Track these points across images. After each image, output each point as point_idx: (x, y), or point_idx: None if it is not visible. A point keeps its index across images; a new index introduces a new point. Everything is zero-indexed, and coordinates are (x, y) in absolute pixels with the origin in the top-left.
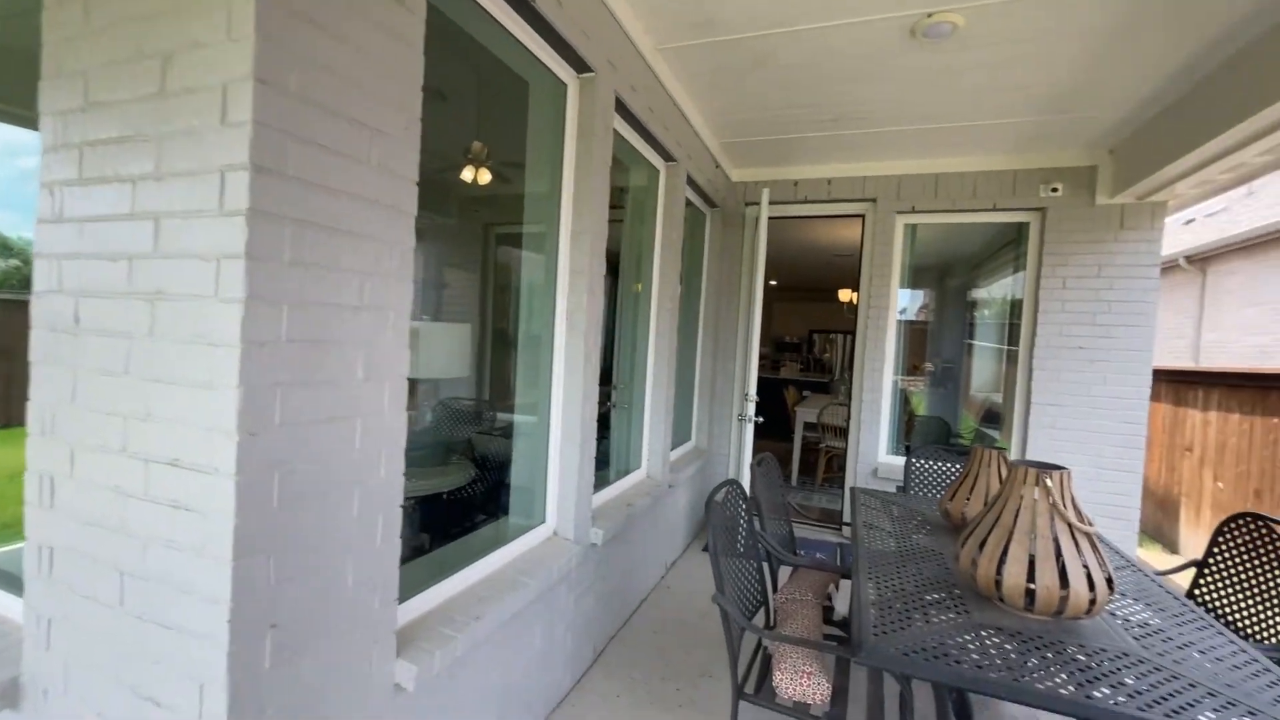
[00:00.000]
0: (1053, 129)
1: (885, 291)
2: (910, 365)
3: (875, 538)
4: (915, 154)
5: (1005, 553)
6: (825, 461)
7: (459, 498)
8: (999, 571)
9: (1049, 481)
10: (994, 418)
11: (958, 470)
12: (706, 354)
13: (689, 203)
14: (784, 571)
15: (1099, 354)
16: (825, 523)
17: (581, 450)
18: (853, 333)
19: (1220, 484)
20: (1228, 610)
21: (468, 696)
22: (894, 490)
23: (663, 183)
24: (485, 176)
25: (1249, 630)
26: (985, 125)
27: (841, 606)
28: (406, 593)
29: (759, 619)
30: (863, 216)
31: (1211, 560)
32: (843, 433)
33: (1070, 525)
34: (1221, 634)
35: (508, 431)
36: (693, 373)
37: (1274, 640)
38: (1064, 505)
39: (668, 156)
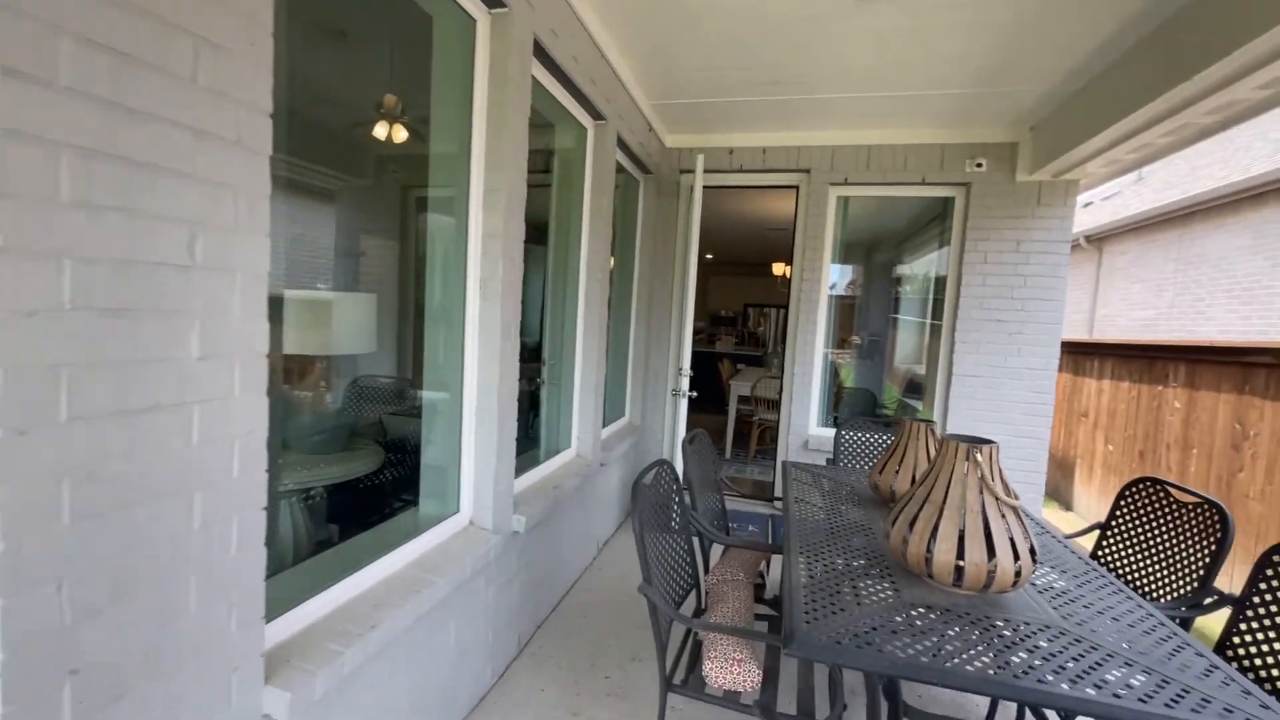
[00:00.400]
0: (980, 104)
1: (818, 265)
2: (839, 339)
3: (806, 512)
4: (849, 124)
5: (935, 530)
6: (758, 434)
7: (369, 485)
8: (929, 549)
9: (979, 456)
10: (916, 388)
11: (885, 441)
12: (640, 328)
13: (621, 168)
14: (716, 550)
15: (1014, 326)
16: (758, 496)
17: (499, 432)
18: (785, 307)
19: (1110, 447)
20: (1128, 569)
21: (366, 713)
22: (824, 463)
23: (591, 143)
24: (401, 133)
25: (1147, 587)
26: (917, 96)
27: (775, 583)
28: (283, 606)
29: (690, 602)
30: (797, 188)
31: (1114, 523)
32: (775, 405)
33: (998, 499)
34: (1130, 598)
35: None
36: (626, 347)
37: (1170, 598)
38: (993, 479)
39: (596, 114)
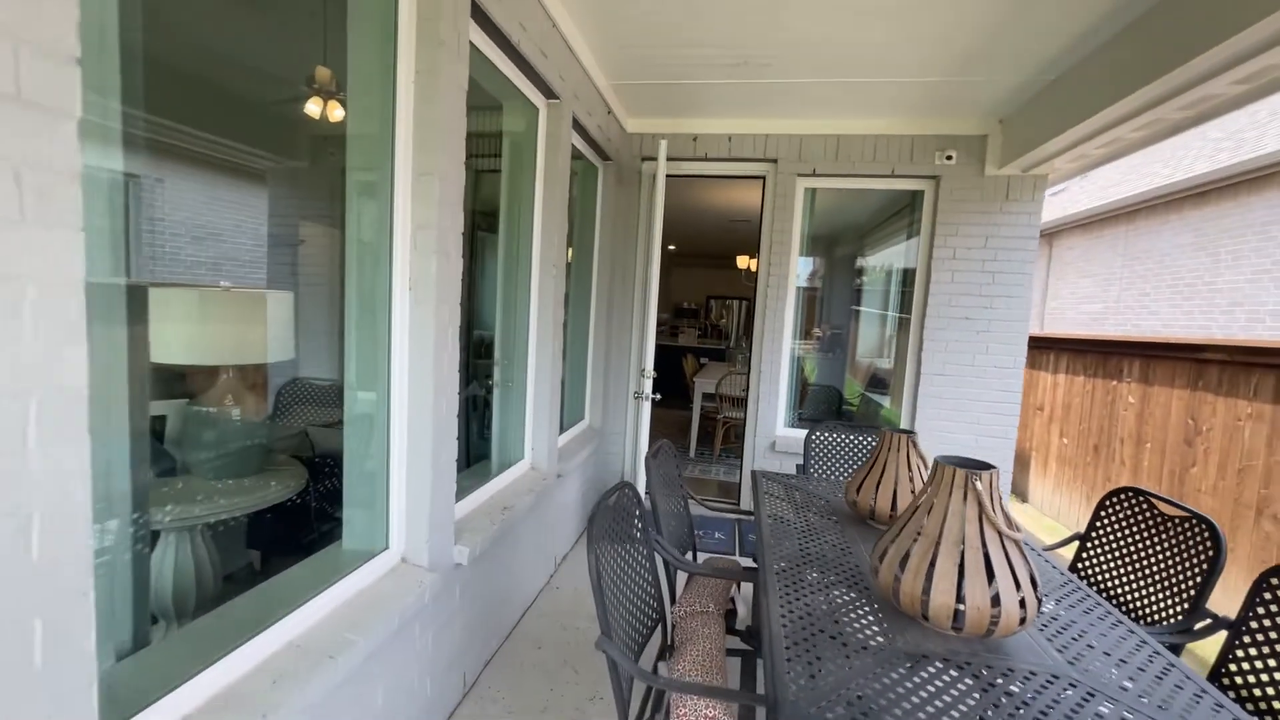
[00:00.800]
0: (953, 94)
1: (785, 258)
2: (803, 332)
3: (781, 535)
4: (818, 112)
5: (931, 568)
6: (723, 432)
7: (286, 515)
8: (924, 591)
9: (979, 485)
10: (880, 383)
11: (858, 444)
12: (600, 325)
13: (578, 154)
14: (684, 572)
15: (982, 324)
16: (723, 499)
17: (436, 455)
18: (749, 299)
19: (1065, 440)
20: (1111, 586)
21: None
22: (794, 469)
23: (543, 124)
24: (337, 111)
25: (1133, 606)
26: (891, 84)
27: (748, 598)
28: (139, 702)
29: (655, 637)
30: (764, 178)
31: (1094, 534)
32: (740, 403)
33: (1000, 534)
34: (1132, 631)
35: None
36: (585, 346)
37: (1159, 619)
38: (994, 511)
39: (549, 93)
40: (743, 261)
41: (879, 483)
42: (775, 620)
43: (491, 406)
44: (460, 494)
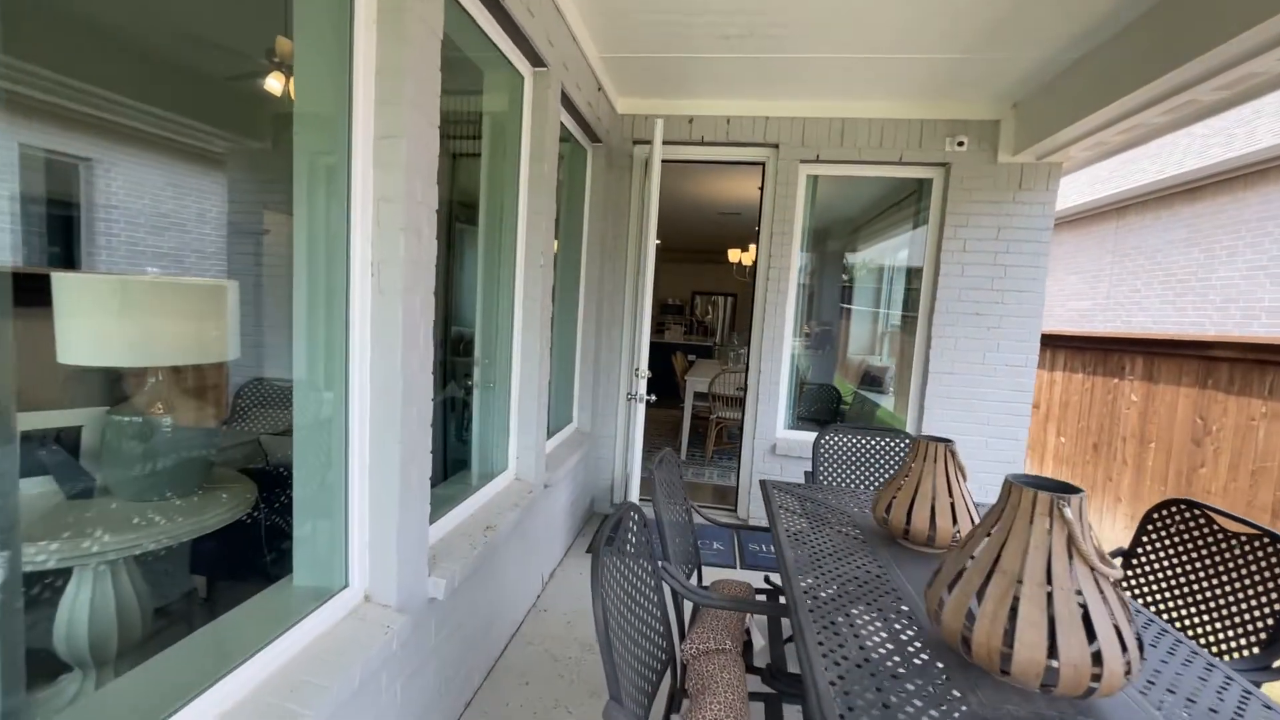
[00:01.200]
0: (965, 75)
1: (786, 251)
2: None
3: (806, 561)
4: (823, 93)
5: (1013, 613)
6: (716, 433)
7: (232, 541)
8: (1008, 643)
9: (1068, 511)
10: (873, 381)
11: (871, 448)
12: (589, 320)
13: (566, 135)
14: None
15: (993, 320)
16: (720, 505)
17: (404, 472)
18: (735, 295)
19: (1063, 439)
20: (1167, 612)
21: None
22: (802, 476)
23: (529, 95)
24: None
25: (1190, 634)
26: (904, 60)
27: (763, 640)
28: None
29: (665, 682)
30: (763, 165)
31: (1140, 551)
32: (735, 403)
33: (1094, 570)
34: (1230, 679)
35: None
36: (573, 343)
37: (1224, 650)
38: (1084, 542)
39: (536, 59)
40: (734, 255)
41: (914, 498)
42: (820, 676)
43: (471, 410)
44: (435, 514)
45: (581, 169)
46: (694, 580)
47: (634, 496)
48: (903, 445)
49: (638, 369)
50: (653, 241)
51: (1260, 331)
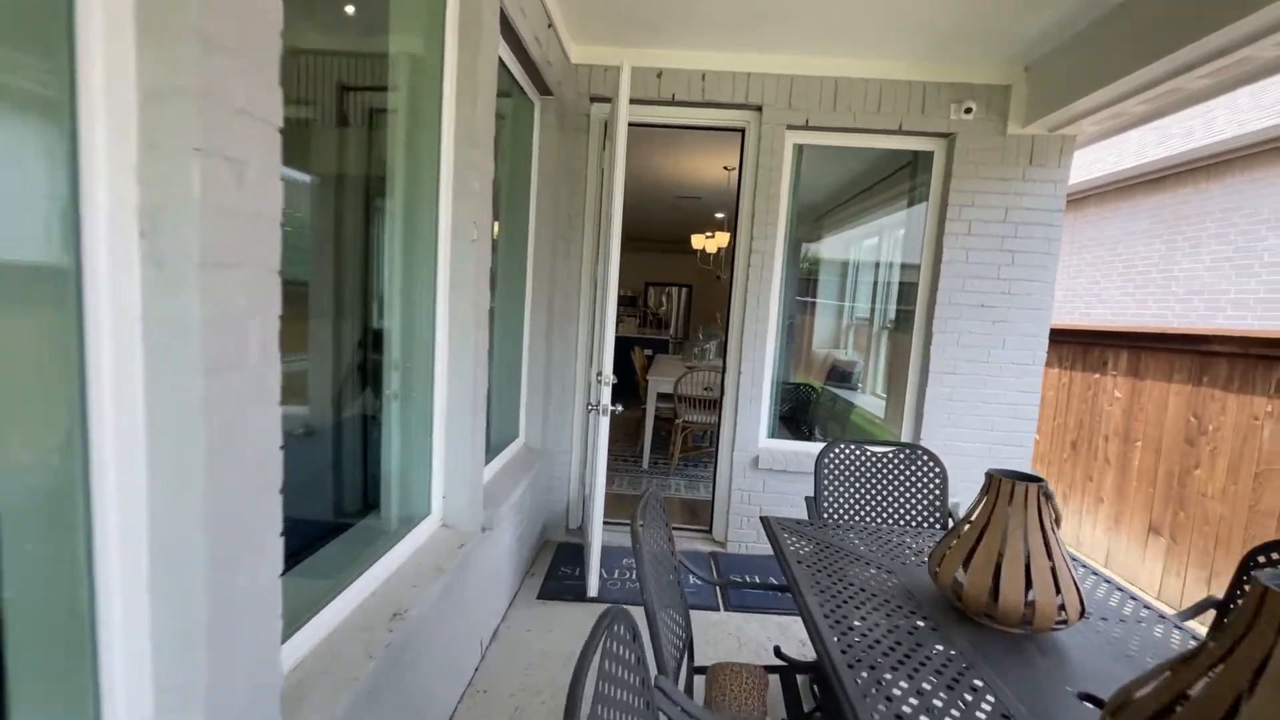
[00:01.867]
0: (972, 30)
1: (771, 234)
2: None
3: (860, 652)
4: (815, 44)
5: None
6: (682, 438)
7: None
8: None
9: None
10: (841, 377)
11: (884, 466)
12: (539, 315)
13: (508, 85)
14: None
15: (1000, 313)
16: (690, 523)
17: (209, 574)
18: (691, 286)
19: (1038, 436)
20: None
21: None
22: (790, 497)
23: (454, 20)
24: None
25: None
26: (904, 6)
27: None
28: None
29: None
30: (743, 132)
31: (1238, 601)
32: (703, 405)
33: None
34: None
35: None
36: (518, 342)
37: None
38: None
39: None
40: (698, 241)
41: (999, 561)
42: None
43: (383, 434)
44: (309, 610)
45: (527, 127)
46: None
47: (596, 527)
48: (927, 465)
49: (600, 374)
50: (617, 220)
51: (1225, 324)
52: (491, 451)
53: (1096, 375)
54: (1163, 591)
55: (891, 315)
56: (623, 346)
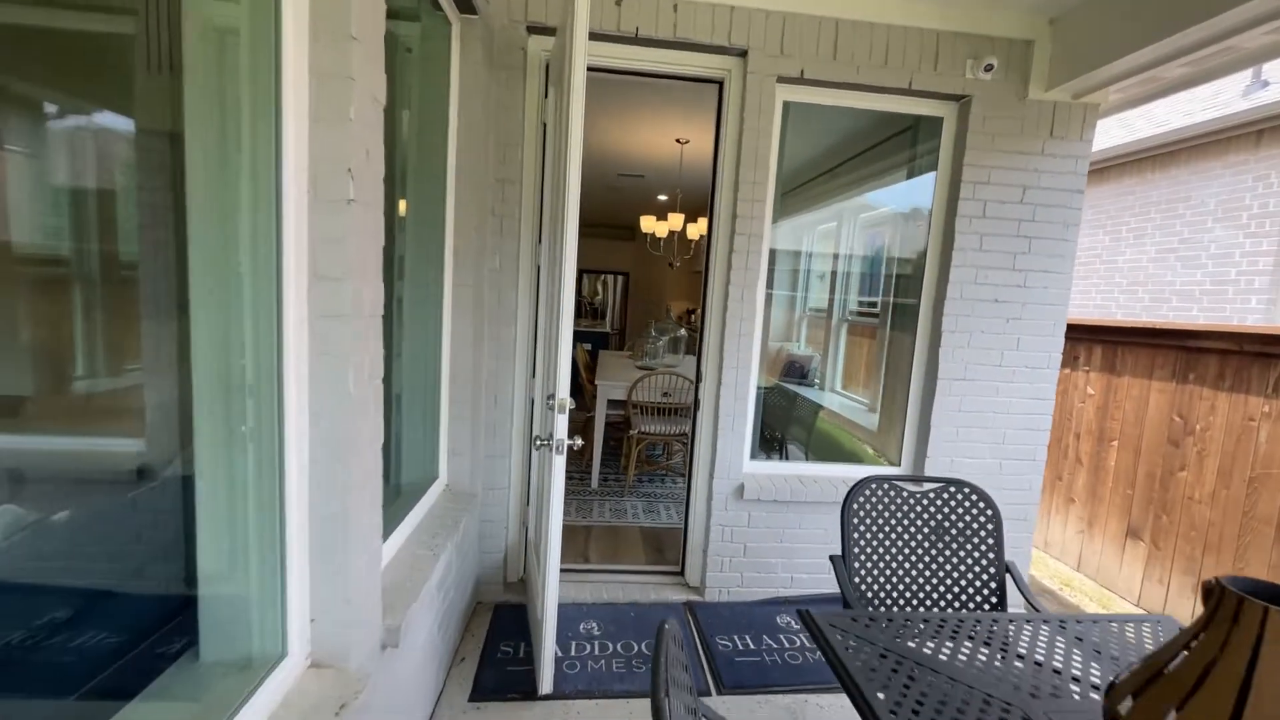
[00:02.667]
0: None
1: (759, 212)
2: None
3: None
4: None
5: None
6: (637, 451)
7: None
8: None
9: None
10: (799, 373)
11: (918, 507)
12: (462, 314)
13: None
14: None
15: (1014, 309)
16: (654, 564)
17: None
18: (628, 274)
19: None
20: None
21: None
22: (783, 534)
23: None
24: None
25: None
26: None
27: None
28: None
29: None
30: (722, 85)
31: None
32: (662, 413)
33: None
34: None
35: None
36: (434, 351)
37: None
38: None
39: None
40: (647, 224)
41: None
42: None
43: (200, 509)
44: None
45: (442, 63)
46: None
47: (550, 606)
48: (978, 508)
49: (552, 395)
50: (574, 185)
51: (1171, 316)
52: (398, 508)
53: (1067, 370)
54: (1143, 598)
55: (874, 309)
56: None
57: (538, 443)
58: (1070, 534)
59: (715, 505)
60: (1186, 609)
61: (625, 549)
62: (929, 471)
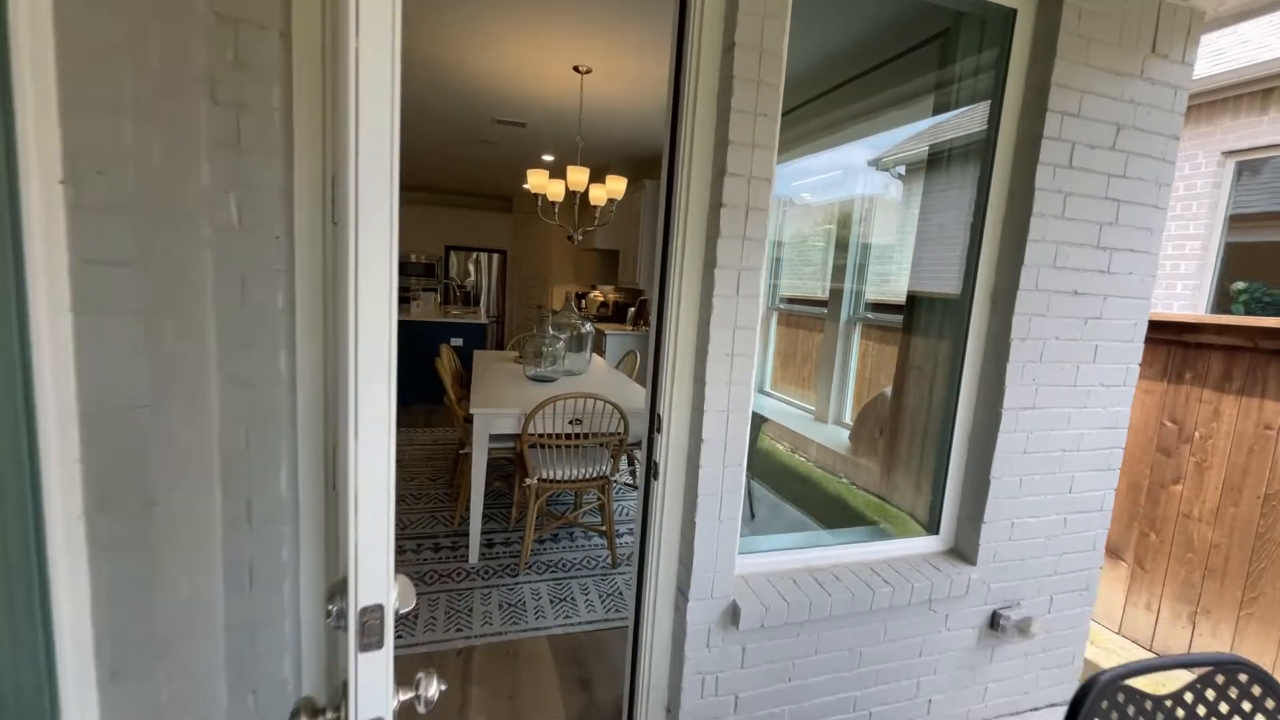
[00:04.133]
0: None
1: (767, 139)
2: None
3: None
4: None
5: None
6: (536, 507)
7: None
8: None
9: None
10: None
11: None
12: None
13: None
14: None
15: (1094, 304)
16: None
17: None
18: (505, 252)
19: None
20: None
21: None
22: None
23: None
24: None
25: None
26: None
27: None
28: None
29: None
30: None
31: None
32: (573, 454)
33: None
34: None
35: None
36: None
37: None
38: None
39: None
40: (536, 181)
41: None
42: None
43: None
44: None
45: None
46: None
47: None
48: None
49: (349, 605)
50: (393, 141)
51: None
52: None
53: None
54: (1125, 625)
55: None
56: (420, 337)
57: (336, 623)
58: None
59: (692, 643)
60: (1181, 640)
61: (529, 694)
62: (985, 543)
